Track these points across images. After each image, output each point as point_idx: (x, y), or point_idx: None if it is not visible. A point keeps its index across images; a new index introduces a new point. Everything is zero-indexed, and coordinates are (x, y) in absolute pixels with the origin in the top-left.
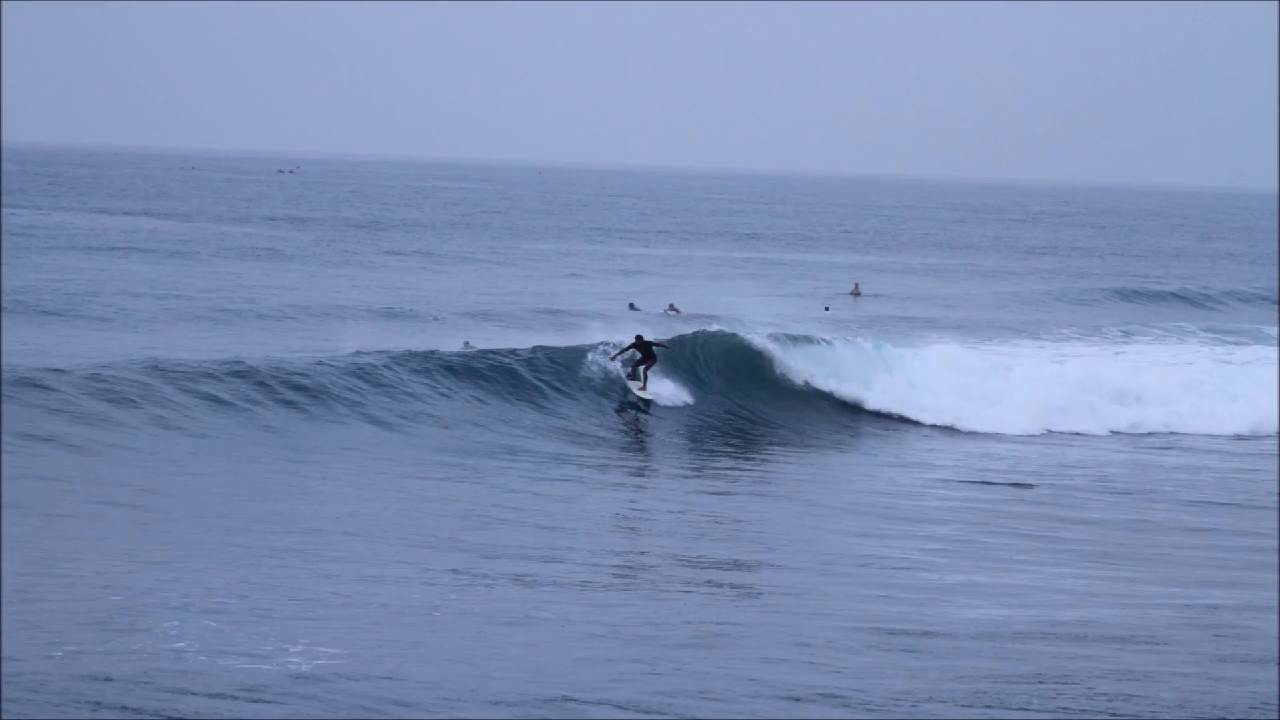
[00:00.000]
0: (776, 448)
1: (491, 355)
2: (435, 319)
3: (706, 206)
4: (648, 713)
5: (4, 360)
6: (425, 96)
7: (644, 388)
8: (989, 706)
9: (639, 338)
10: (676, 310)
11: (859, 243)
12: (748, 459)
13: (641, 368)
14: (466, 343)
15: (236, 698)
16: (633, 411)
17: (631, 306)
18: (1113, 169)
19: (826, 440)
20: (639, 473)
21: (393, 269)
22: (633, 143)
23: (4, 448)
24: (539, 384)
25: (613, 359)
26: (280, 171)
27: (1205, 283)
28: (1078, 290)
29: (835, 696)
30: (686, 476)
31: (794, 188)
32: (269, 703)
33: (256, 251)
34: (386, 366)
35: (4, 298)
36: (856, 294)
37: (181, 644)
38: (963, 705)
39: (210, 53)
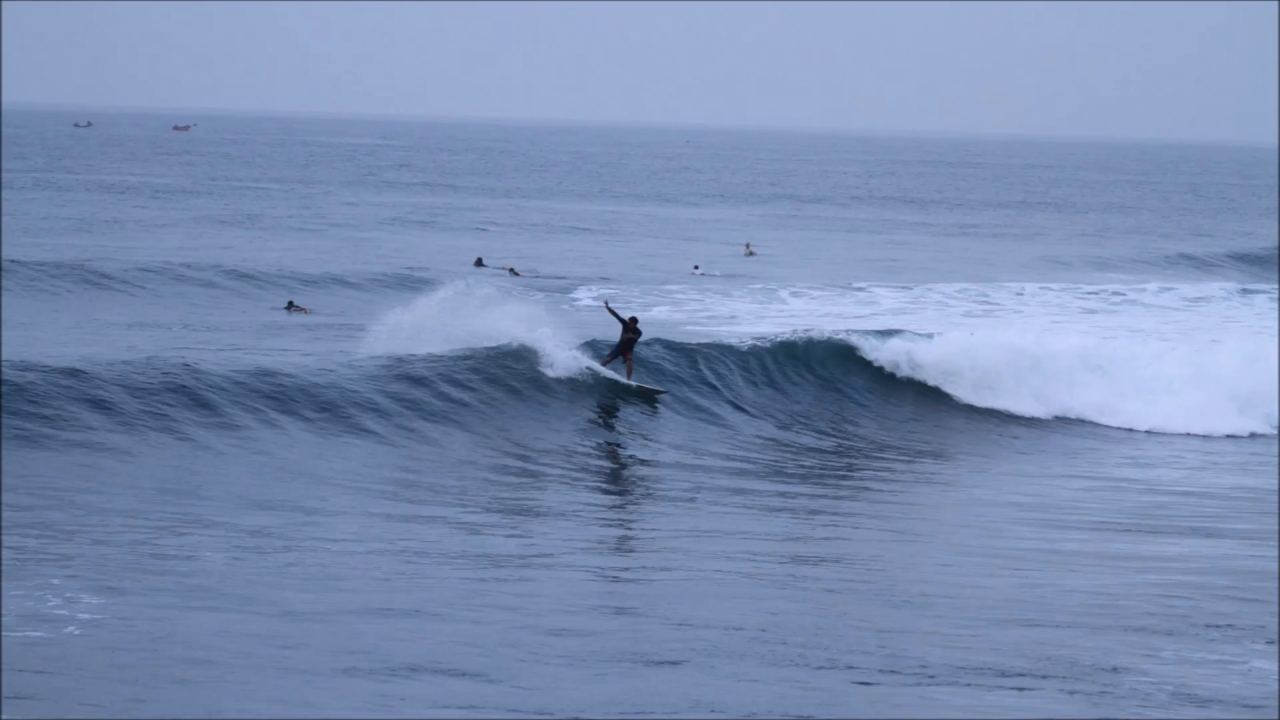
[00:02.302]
0: None
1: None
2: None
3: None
4: None
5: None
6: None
7: (629, 374)
8: None
9: (633, 320)
10: (516, 273)
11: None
12: None
13: (623, 355)
14: (290, 302)
15: None
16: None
17: (479, 263)
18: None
19: None
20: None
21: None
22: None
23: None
24: None
25: (608, 307)
26: (175, 128)
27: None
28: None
29: None
30: None
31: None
32: None
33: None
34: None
35: None
36: (750, 254)
37: None
38: None
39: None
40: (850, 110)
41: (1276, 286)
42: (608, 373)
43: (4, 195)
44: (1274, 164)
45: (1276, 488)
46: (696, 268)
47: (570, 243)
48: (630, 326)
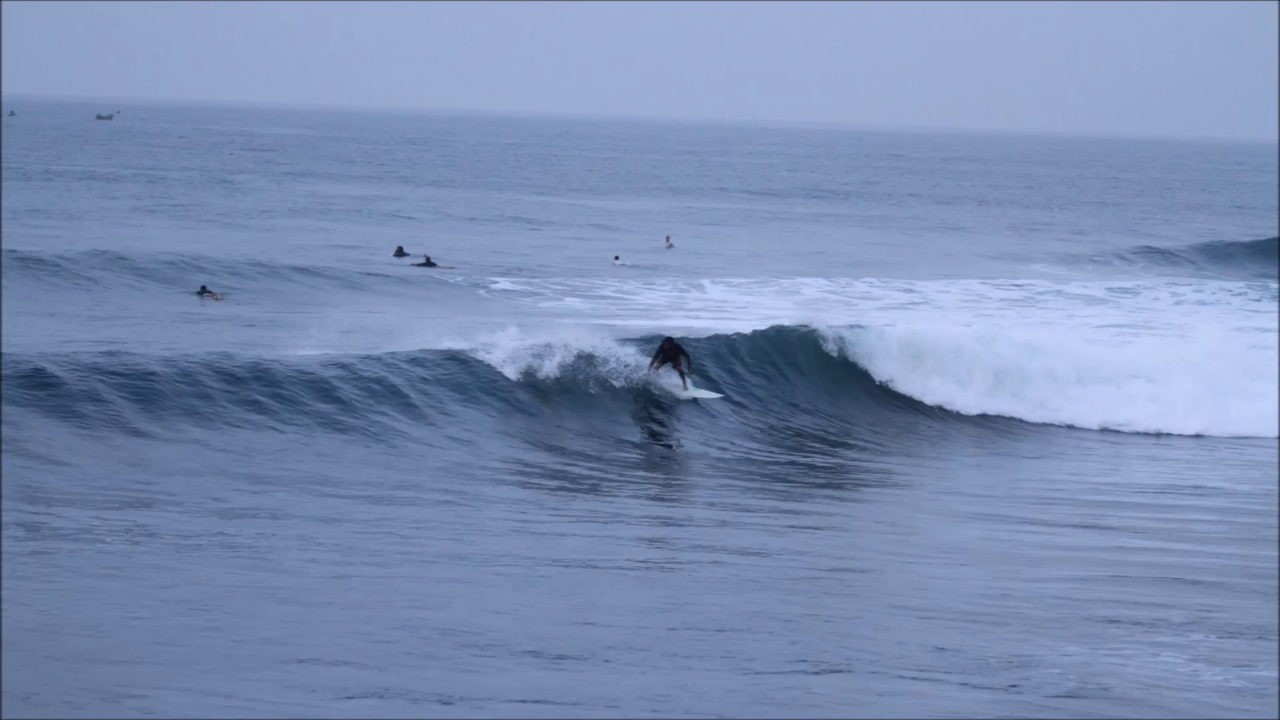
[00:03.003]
0: None
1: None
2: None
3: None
4: None
5: None
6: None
7: (685, 387)
8: None
9: (668, 340)
10: (433, 264)
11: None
12: None
13: (673, 366)
14: (203, 287)
15: None
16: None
17: (399, 252)
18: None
19: None
20: None
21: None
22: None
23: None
24: None
25: (654, 366)
26: (98, 118)
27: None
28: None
29: None
30: None
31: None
32: None
33: None
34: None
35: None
36: (669, 246)
37: None
38: None
39: None
40: (849, 108)
41: (1221, 284)
42: (662, 378)
43: None
44: (1201, 158)
45: (1275, 489)
46: (617, 258)
47: (491, 233)
48: (667, 344)
